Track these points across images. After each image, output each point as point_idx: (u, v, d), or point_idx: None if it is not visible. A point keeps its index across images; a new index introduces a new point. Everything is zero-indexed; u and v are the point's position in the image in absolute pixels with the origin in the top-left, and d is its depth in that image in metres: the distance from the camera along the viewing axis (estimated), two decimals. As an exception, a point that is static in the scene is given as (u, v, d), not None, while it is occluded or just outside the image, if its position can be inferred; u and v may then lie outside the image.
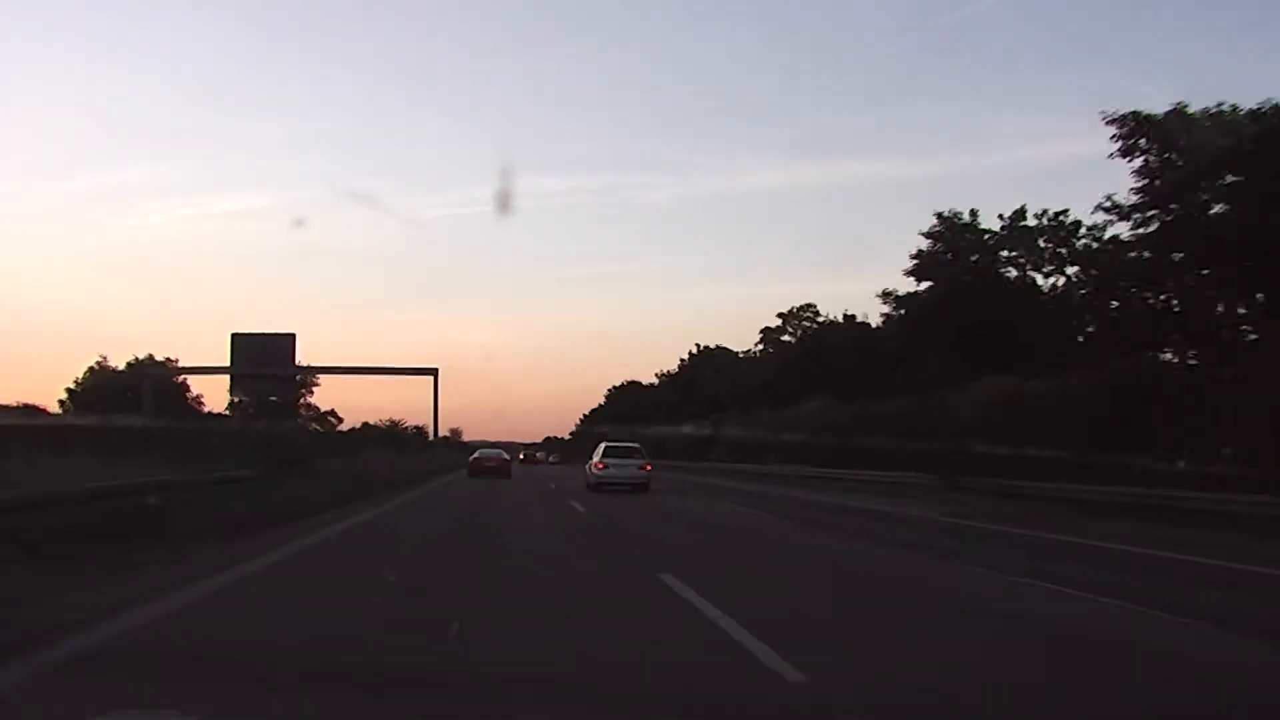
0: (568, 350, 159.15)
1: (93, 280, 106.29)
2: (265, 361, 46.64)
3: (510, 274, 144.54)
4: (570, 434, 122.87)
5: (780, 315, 77.45)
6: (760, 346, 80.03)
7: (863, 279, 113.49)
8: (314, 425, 71.17)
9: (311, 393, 73.72)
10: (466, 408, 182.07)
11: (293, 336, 47.82)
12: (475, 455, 43.68)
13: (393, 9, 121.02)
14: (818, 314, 74.22)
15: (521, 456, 69.87)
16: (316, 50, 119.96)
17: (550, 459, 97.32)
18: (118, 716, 4.06)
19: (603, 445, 31.03)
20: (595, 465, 29.71)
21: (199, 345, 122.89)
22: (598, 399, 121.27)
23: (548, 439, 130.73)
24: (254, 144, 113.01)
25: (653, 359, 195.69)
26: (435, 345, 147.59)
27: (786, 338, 76.78)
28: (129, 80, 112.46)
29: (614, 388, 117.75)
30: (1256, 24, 77.07)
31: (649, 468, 30.03)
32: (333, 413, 79.24)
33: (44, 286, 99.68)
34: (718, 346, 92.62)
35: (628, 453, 30.45)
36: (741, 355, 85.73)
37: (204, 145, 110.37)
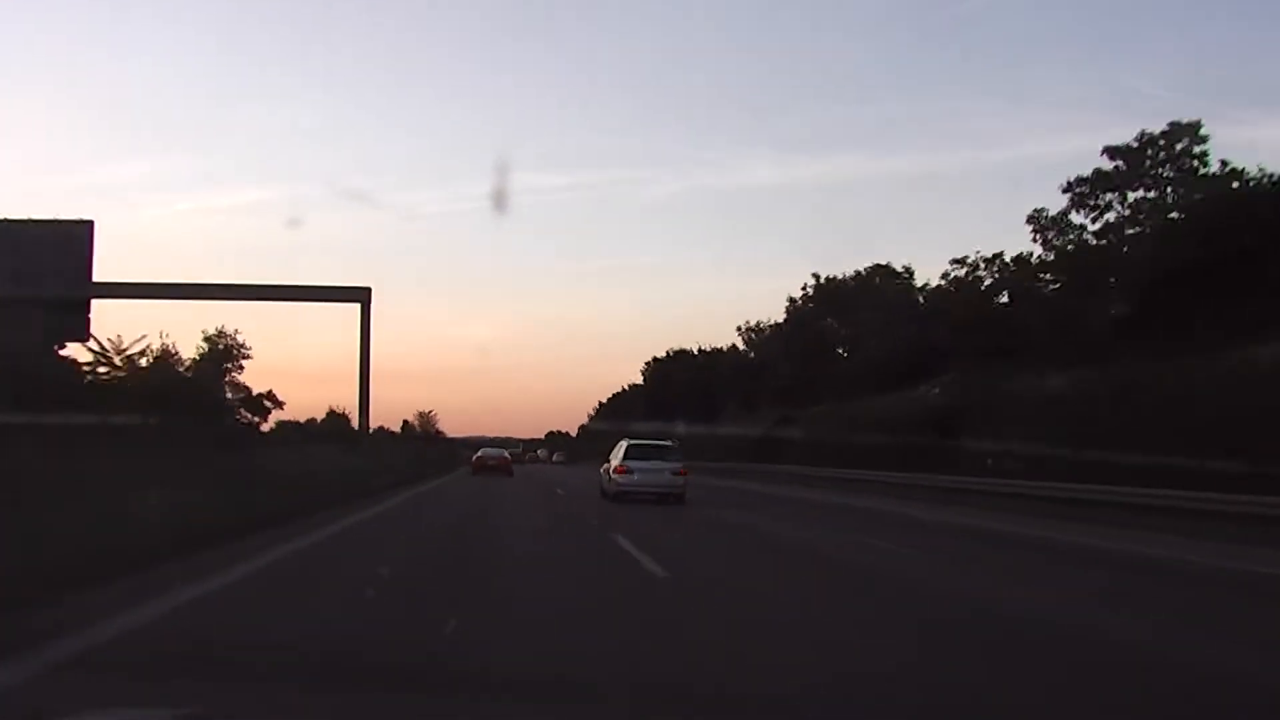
0: (569, 345, 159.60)
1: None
2: (29, 275, 25.48)
3: (508, 269, 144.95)
4: (582, 428, 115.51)
5: (1086, 179, 41.67)
6: (1042, 242, 45.11)
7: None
8: (243, 413, 56.77)
9: (241, 368, 59.34)
10: (466, 406, 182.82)
11: (87, 227, 26.71)
12: (479, 455, 46.03)
13: (393, 3, 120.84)
14: (1203, 135, 39.76)
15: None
16: (315, 44, 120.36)
17: (555, 458, 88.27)
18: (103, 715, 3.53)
19: (624, 444, 24.37)
20: (615, 469, 23.52)
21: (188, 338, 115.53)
22: (598, 396, 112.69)
23: (550, 434, 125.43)
24: (252, 139, 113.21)
25: (656, 354, 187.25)
26: (433, 340, 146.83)
27: (1084, 222, 42.03)
28: (127, 75, 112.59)
29: (656, 359, 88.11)
30: (1258, 20, 74.75)
31: (685, 473, 23.62)
32: (270, 395, 60.53)
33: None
34: (860, 273, 60.63)
35: (658, 453, 24.19)
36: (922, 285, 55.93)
37: (202, 140, 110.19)
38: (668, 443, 25.84)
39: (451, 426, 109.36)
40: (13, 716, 4.61)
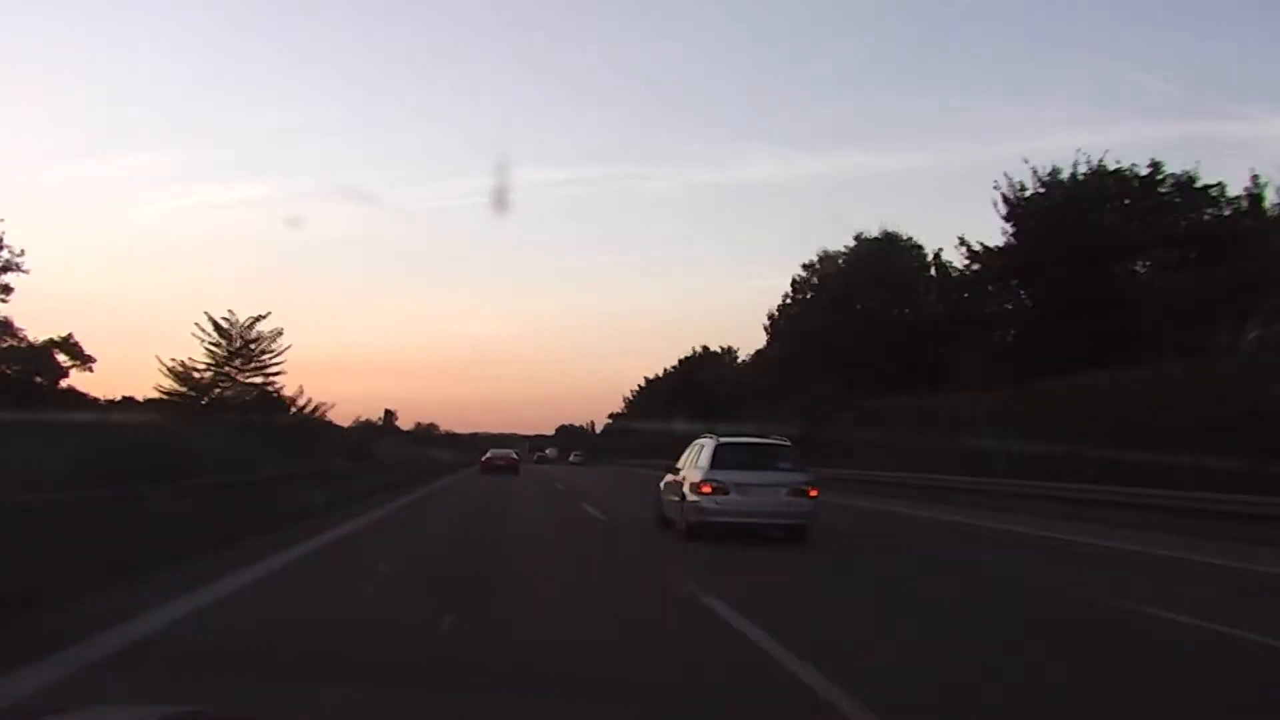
0: (574, 341, 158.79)
1: (89, 268, 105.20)
2: None
3: (509, 264, 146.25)
4: (612, 418, 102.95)
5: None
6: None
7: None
8: (68, 384, 35.44)
9: (7, 289, 31.80)
10: (470, 402, 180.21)
11: None
12: (487, 455, 51.79)
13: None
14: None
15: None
16: (316, 40, 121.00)
17: (572, 458, 77.91)
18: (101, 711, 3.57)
19: (708, 443, 15.83)
20: (696, 485, 15.06)
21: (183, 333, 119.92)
22: (607, 392, 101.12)
23: (562, 429, 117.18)
24: (251, 134, 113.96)
25: (660, 351, 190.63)
26: (434, 336, 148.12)
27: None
28: (128, 71, 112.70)
29: (806, 269, 50.53)
30: (1259, 18, 74.58)
31: (814, 492, 15.14)
32: (70, 344, 40.49)
33: (42, 278, 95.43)
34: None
35: (768, 458, 15.56)
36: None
37: (202, 135, 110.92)
38: (782, 441, 16.47)
39: (455, 423, 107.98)
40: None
